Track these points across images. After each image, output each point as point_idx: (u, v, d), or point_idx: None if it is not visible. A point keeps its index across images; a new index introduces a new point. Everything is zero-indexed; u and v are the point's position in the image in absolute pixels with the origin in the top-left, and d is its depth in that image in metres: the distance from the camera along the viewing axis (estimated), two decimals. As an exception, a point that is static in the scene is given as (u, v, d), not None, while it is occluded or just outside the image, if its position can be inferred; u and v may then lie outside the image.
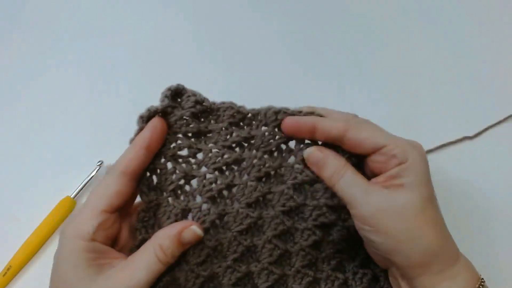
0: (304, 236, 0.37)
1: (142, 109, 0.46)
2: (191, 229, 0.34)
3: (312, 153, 0.36)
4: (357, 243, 0.38)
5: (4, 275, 0.41)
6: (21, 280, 0.41)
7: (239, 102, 0.48)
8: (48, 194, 0.44)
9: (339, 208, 0.37)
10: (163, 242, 0.33)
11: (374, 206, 0.33)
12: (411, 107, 0.50)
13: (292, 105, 0.49)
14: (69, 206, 0.43)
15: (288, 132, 0.37)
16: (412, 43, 0.54)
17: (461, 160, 0.47)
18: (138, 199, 0.38)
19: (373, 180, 0.35)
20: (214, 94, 0.50)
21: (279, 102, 0.49)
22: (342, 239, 0.38)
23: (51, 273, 0.34)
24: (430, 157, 0.46)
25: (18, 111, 0.49)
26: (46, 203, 0.43)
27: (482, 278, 0.34)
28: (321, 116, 0.37)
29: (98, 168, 0.45)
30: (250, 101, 0.49)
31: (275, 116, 0.36)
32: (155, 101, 0.47)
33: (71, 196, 0.44)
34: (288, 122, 0.36)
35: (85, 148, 0.47)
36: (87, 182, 0.44)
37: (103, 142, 0.47)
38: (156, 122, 0.36)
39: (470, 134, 0.48)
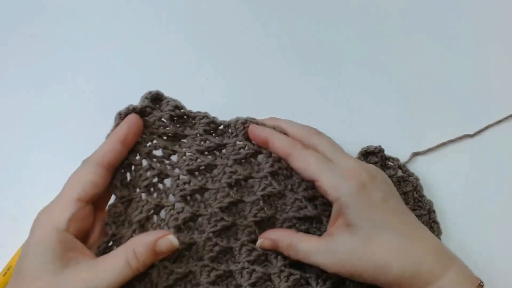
0: None
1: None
2: (168, 238, 0.33)
3: (263, 243, 0.38)
4: None
5: (4, 275, 0.40)
6: (21, 280, 0.41)
7: (239, 102, 0.49)
8: (48, 194, 0.44)
9: (310, 219, 0.39)
10: (137, 248, 0.32)
11: (335, 262, 0.34)
12: (412, 106, 0.50)
13: (291, 104, 0.49)
14: (69, 206, 0.43)
15: (251, 138, 0.39)
16: (412, 42, 0.54)
17: (461, 159, 0.47)
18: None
19: (329, 225, 0.36)
20: (215, 94, 0.50)
21: (278, 102, 0.49)
22: None
23: (15, 265, 0.32)
24: (430, 155, 0.47)
25: (18, 111, 0.49)
26: (46, 203, 0.43)
27: (481, 282, 0.34)
28: (280, 130, 0.38)
29: (98, 168, 0.45)
30: (251, 100, 0.50)
31: (243, 126, 0.38)
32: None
33: (71, 196, 0.44)
34: (249, 129, 0.38)
35: (85, 148, 0.47)
36: (87, 182, 0.44)
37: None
38: (132, 117, 0.37)
39: (471, 133, 0.48)
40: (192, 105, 0.48)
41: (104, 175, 0.35)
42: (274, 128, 0.39)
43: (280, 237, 0.37)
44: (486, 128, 0.48)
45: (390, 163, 0.44)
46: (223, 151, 0.39)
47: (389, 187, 0.36)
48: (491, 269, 0.41)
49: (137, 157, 0.38)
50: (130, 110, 0.37)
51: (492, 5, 0.56)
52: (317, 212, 0.38)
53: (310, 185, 0.38)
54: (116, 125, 0.37)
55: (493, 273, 0.41)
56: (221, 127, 0.39)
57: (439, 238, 0.41)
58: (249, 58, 0.53)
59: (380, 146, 0.44)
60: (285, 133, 0.39)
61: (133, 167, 0.38)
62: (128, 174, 0.38)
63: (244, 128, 0.39)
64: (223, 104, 0.49)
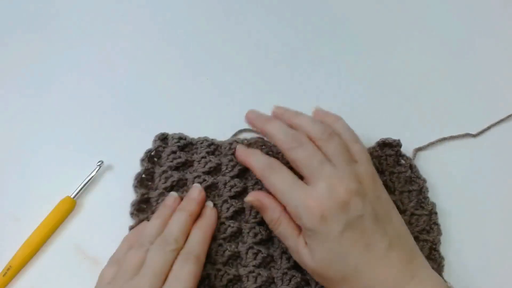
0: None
1: (141, 109, 0.47)
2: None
3: (252, 201, 0.39)
4: None
5: (4, 275, 0.40)
6: (21, 280, 0.41)
7: (239, 102, 0.49)
8: (48, 194, 0.44)
9: None
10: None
11: (300, 260, 0.37)
12: (415, 106, 0.50)
13: (291, 102, 0.49)
14: (69, 206, 0.43)
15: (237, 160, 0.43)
16: (415, 39, 0.54)
17: (464, 158, 0.47)
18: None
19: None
20: (214, 94, 0.50)
21: (277, 99, 0.49)
22: None
23: None
24: (432, 155, 0.46)
25: (18, 111, 0.49)
26: (46, 203, 0.43)
27: (450, 285, 0.35)
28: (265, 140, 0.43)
29: (98, 168, 0.45)
30: (250, 97, 0.49)
31: (229, 146, 0.44)
32: (154, 101, 0.47)
33: (71, 196, 0.44)
34: (236, 153, 0.42)
35: (85, 148, 0.47)
36: (87, 182, 0.44)
37: (103, 142, 0.47)
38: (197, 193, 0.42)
39: (473, 132, 0.48)
40: (192, 104, 0.48)
41: None
42: (263, 138, 0.43)
43: (271, 207, 0.38)
44: (489, 128, 0.48)
45: (402, 161, 0.44)
46: (222, 169, 0.44)
47: (363, 206, 0.35)
48: (489, 269, 0.41)
49: (156, 192, 0.43)
50: (148, 153, 0.45)
51: (496, 4, 0.56)
52: None
53: None
54: (145, 168, 0.44)
55: (491, 273, 0.40)
56: (219, 146, 0.45)
57: (439, 239, 0.41)
58: (248, 56, 0.53)
59: (399, 140, 0.44)
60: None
61: (152, 201, 0.43)
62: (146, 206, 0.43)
63: (230, 148, 0.44)
64: (223, 102, 0.49)
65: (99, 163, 0.45)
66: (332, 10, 0.55)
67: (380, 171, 0.43)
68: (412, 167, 0.44)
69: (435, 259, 0.40)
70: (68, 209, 0.43)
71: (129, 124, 0.47)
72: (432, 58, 0.53)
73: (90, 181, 0.45)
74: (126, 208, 0.43)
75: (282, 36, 0.54)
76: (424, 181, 0.43)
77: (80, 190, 0.44)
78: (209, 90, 0.50)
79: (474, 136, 0.47)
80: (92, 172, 0.45)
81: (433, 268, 0.36)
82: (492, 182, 0.45)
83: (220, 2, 0.56)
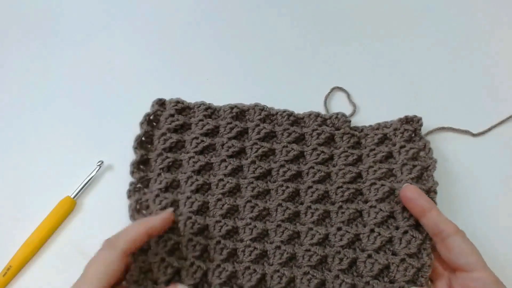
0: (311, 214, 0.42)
1: (141, 109, 0.47)
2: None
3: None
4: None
5: (4, 275, 0.40)
6: (21, 280, 0.41)
7: (237, 101, 0.49)
8: (48, 194, 0.44)
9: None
10: None
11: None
12: (416, 107, 0.50)
13: (291, 99, 0.49)
14: (69, 206, 0.43)
15: (404, 200, 0.40)
16: (418, 41, 0.54)
17: (464, 158, 0.47)
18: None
19: None
20: (214, 93, 0.50)
21: (279, 101, 0.49)
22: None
23: None
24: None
25: (19, 111, 0.49)
26: (46, 203, 0.43)
27: None
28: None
29: (98, 168, 0.45)
30: (249, 100, 0.49)
31: (230, 110, 0.46)
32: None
33: (71, 196, 0.44)
34: (408, 192, 0.40)
35: (85, 148, 0.47)
36: (87, 182, 0.44)
37: (103, 142, 0.47)
38: (168, 214, 0.38)
39: (474, 132, 0.48)
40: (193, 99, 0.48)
41: (126, 262, 0.35)
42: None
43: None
44: (490, 129, 0.48)
45: (417, 141, 0.44)
46: (220, 130, 0.45)
47: None
48: (492, 269, 0.41)
49: (155, 152, 0.44)
50: (147, 117, 0.45)
51: (498, 4, 0.56)
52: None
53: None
54: (144, 131, 0.45)
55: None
56: (216, 110, 0.47)
57: None
58: (248, 59, 0.53)
59: (420, 118, 0.45)
60: None
61: (152, 161, 0.44)
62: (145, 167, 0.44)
63: (231, 112, 0.45)
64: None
65: (99, 163, 0.45)
66: (342, 7, 0.56)
67: (392, 143, 0.44)
68: (425, 148, 0.44)
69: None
70: (68, 209, 0.43)
71: (129, 124, 0.47)
72: (431, 57, 0.53)
73: (90, 181, 0.45)
74: (126, 208, 0.43)
75: (285, 35, 0.54)
76: (435, 161, 0.43)
77: (80, 190, 0.44)
78: (209, 91, 0.50)
79: (474, 135, 0.48)
80: (92, 172, 0.45)
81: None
82: (489, 181, 0.46)
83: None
